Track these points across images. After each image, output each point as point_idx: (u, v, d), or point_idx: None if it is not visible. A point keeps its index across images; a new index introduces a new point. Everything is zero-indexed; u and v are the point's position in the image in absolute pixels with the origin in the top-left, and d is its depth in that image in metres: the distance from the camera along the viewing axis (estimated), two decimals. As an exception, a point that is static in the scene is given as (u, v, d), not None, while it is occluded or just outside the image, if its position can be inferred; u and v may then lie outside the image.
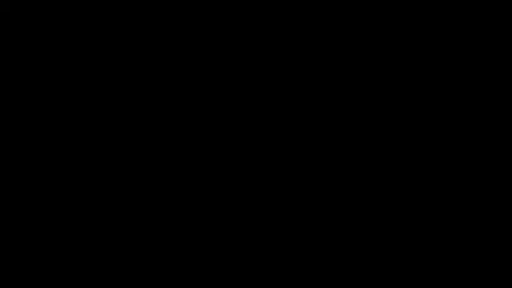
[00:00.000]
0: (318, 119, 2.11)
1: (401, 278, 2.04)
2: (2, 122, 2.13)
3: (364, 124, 2.10)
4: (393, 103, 2.10)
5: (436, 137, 2.08)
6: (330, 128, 2.10)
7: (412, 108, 2.09)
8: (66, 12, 2.15)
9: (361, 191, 2.08)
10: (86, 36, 2.15)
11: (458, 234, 2.04)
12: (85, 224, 2.09)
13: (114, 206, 2.10)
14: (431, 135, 2.08)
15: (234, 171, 2.10)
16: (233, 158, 2.11)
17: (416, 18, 2.11)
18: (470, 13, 2.10)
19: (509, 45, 2.08)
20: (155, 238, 2.09)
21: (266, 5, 2.13)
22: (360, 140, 2.09)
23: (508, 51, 2.08)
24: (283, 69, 2.12)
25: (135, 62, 2.14)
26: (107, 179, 2.11)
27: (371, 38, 2.12)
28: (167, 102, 2.13)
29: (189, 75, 2.14)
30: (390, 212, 2.06)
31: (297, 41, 2.13)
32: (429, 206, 2.06)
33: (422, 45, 2.10)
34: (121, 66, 2.14)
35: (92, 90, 2.14)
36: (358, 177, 2.08)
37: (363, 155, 2.09)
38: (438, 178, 2.06)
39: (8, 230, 2.09)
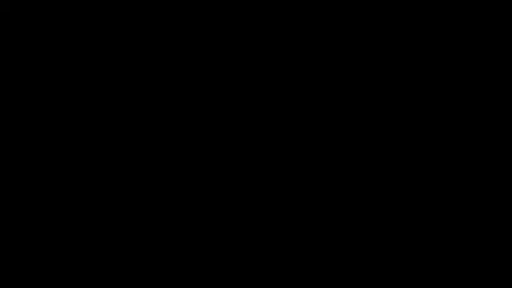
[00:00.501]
0: (318, 119, 2.11)
1: (401, 278, 2.04)
2: (2, 122, 2.13)
3: (364, 124, 2.10)
4: (393, 103, 2.10)
5: (436, 137, 2.08)
6: (330, 128, 2.10)
7: (412, 108, 2.09)
8: (66, 12, 2.15)
9: (361, 191, 2.08)
10: (86, 36, 2.15)
11: (458, 234, 2.04)
12: (85, 224, 2.09)
13: (114, 206, 2.10)
14: (431, 135, 2.08)
15: (234, 171, 2.10)
16: (233, 158, 2.11)
17: (416, 18, 2.11)
18: (470, 13, 2.10)
19: (510, 45, 2.09)
20: (155, 238, 2.09)
21: (266, 5, 2.14)
22: (360, 140, 2.09)
23: (508, 51, 2.08)
24: (283, 69, 2.12)
25: (135, 62, 2.14)
26: (107, 179, 2.11)
27: (371, 38, 2.12)
28: (167, 102, 2.13)
29: (189, 75, 2.14)
30: (390, 212, 2.06)
31: (297, 41, 2.13)
32: (429, 206, 2.06)
33: (422, 45, 2.10)
34: (121, 66, 2.14)
35: (92, 90, 2.14)
36: (358, 177, 2.08)
37: (363, 155, 2.09)
38: (438, 178, 2.07)
39: (8, 230, 2.09)
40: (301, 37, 2.13)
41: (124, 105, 2.13)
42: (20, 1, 2.16)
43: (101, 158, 2.12)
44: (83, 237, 2.09)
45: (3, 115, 2.13)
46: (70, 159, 2.12)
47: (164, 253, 2.08)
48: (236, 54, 2.14)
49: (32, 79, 2.14)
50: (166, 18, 2.15)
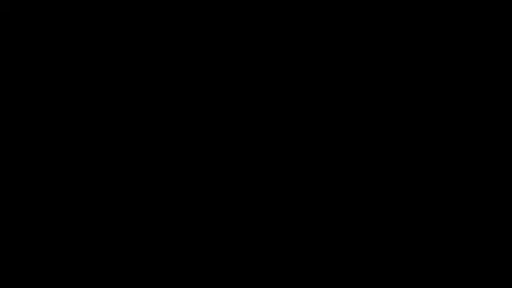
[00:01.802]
0: (318, 119, 2.11)
1: (401, 278, 2.04)
2: (2, 122, 2.13)
3: (364, 124, 2.10)
4: (393, 103, 2.10)
5: (436, 137, 2.08)
6: (330, 128, 2.10)
7: (412, 108, 2.09)
8: (66, 12, 2.15)
9: (361, 191, 2.08)
10: (86, 36, 2.15)
11: (458, 234, 2.04)
12: (85, 224, 2.09)
13: (114, 206, 2.10)
14: (431, 136, 2.08)
15: (233, 171, 2.10)
16: (233, 158, 2.11)
17: (417, 18, 2.11)
18: (470, 13, 2.10)
19: (510, 45, 2.09)
20: (155, 238, 2.09)
21: (266, 5, 2.14)
22: (360, 140, 2.09)
23: (508, 51, 2.08)
24: (283, 69, 2.13)
25: (135, 62, 2.14)
26: (107, 179, 2.11)
27: (371, 38, 2.12)
28: (167, 102, 2.13)
29: (189, 75, 2.14)
30: (390, 212, 2.07)
31: (297, 41, 2.13)
32: (429, 206, 2.06)
33: (422, 45, 2.10)
34: (121, 66, 2.14)
35: (92, 90, 2.14)
36: (358, 178, 2.08)
37: (363, 155, 2.09)
38: (438, 178, 2.07)
39: (8, 230, 2.09)
40: (301, 37, 2.13)
41: (124, 105, 2.13)
42: (20, 1, 2.16)
43: (101, 158, 2.12)
44: (83, 237, 2.09)
45: (3, 115, 2.13)
46: (70, 159, 2.12)
47: (164, 253, 2.08)
48: (236, 54, 2.14)
49: (32, 79, 2.14)
50: (166, 18, 2.15)
